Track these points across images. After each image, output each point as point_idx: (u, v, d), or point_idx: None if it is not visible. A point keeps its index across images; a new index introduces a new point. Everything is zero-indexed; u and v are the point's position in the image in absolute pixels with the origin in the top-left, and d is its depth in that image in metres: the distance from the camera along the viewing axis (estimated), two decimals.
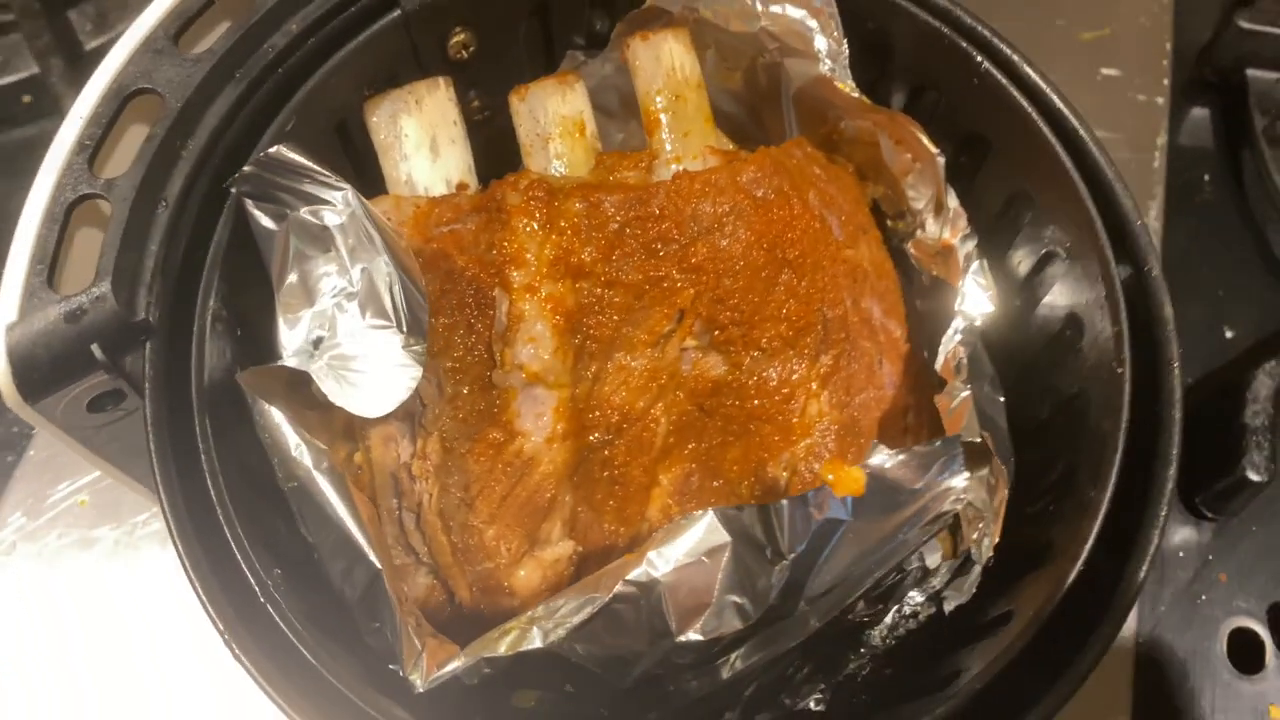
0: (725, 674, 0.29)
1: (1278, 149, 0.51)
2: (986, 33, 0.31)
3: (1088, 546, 0.26)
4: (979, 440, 0.29)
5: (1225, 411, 0.44)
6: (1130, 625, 0.41)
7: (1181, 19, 0.54)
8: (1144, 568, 0.25)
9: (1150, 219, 0.48)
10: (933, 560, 0.29)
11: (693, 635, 0.26)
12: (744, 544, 0.26)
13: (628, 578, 0.26)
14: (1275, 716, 0.42)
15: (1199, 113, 0.55)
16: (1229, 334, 0.49)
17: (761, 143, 0.36)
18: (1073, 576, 0.26)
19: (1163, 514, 0.26)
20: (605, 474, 0.34)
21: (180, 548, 0.25)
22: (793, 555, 0.25)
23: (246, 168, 0.27)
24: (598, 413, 0.33)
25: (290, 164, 0.27)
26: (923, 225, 0.36)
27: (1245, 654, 0.43)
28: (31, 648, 0.40)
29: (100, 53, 0.53)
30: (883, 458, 0.26)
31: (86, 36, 0.55)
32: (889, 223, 0.38)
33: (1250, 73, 0.53)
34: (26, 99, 0.56)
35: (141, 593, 0.41)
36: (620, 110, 0.37)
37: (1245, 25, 0.52)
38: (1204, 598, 0.44)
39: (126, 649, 0.40)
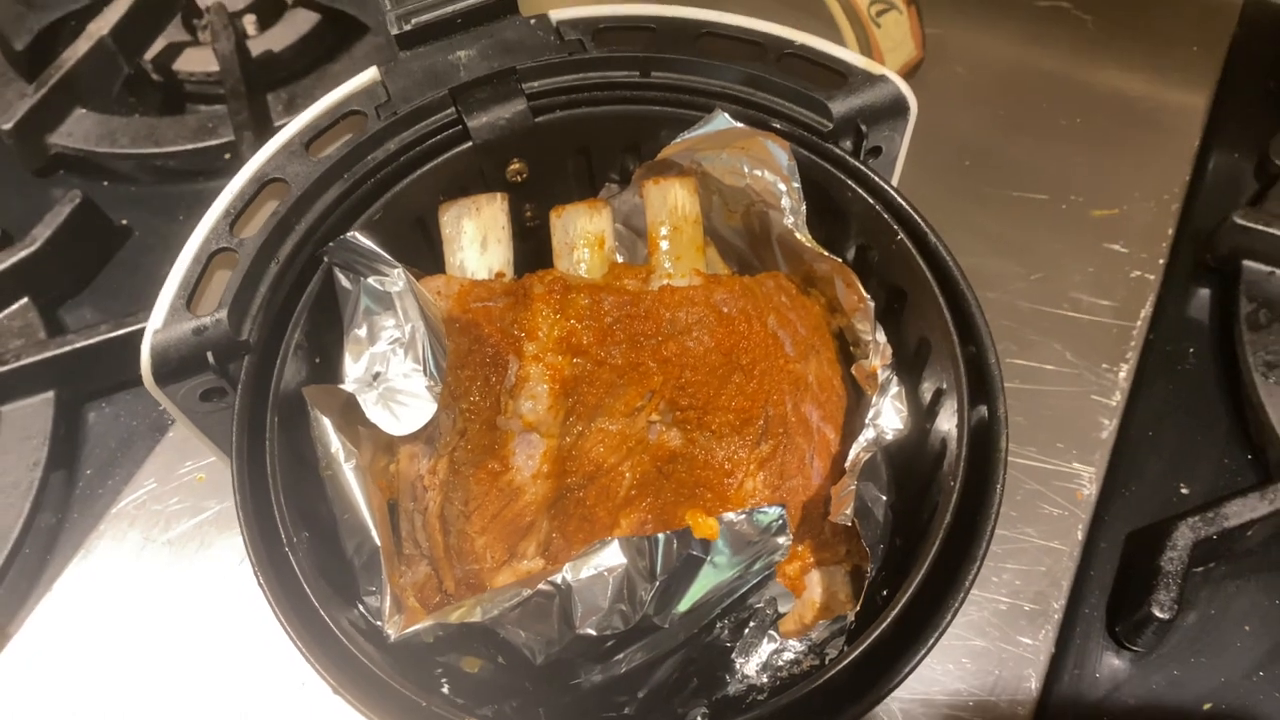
0: (622, 669, 0.37)
1: (1257, 333, 0.57)
2: (909, 209, 0.39)
3: (906, 598, 0.33)
4: (849, 524, 0.37)
5: (1149, 556, 0.50)
6: None
7: (1189, 209, 0.61)
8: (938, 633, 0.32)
9: (1119, 378, 0.54)
10: (785, 606, 0.37)
11: (589, 629, 0.34)
12: (633, 566, 0.34)
13: (549, 579, 0.35)
14: None
15: (1200, 292, 0.61)
16: (1184, 490, 0.55)
17: (760, 272, 0.45)
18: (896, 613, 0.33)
19: (963, 592, 0.33)
20: (577, 512, 0.43)
21: (238, 501, 0.35)
22: (662, 578, 0.33)
23: (332, 244, 0.38)
24: (576, 462, 0.42)
25: (360, 247, 0.38)
26: (867, 354, 0.44)
27: None
28: (145, 582, 0.52)
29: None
30: (731, 516, 0.34)
31: (277, 115, 0.69)
32: (851, 349, 0.46)
33: (1245, 263, 0.59)
34: (227, 156, 0.70)
35: (231, 549, 0.52)
36: (629, 230, 0.46)
37: (1240, 221, 0.58)
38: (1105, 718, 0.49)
39: (214, 587, 0.51)
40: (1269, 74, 0.68)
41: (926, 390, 0.41)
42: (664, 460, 0.43)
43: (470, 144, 0.41)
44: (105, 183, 0.70)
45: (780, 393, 0.42)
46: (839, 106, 0.40)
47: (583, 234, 0.44)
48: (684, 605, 0.34)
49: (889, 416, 0.41)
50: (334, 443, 0.38)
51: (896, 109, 0.41)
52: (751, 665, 0.38)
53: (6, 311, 0.62)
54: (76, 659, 0.50)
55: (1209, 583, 0.52)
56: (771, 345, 0.43)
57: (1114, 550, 0.53)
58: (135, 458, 0.58)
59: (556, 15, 0.43)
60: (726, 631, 0.37)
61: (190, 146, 0.68)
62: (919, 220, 0.39)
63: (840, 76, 0.41)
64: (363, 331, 0.39)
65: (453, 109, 0.41)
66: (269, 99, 0.69)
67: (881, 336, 0.41)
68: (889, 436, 0.41)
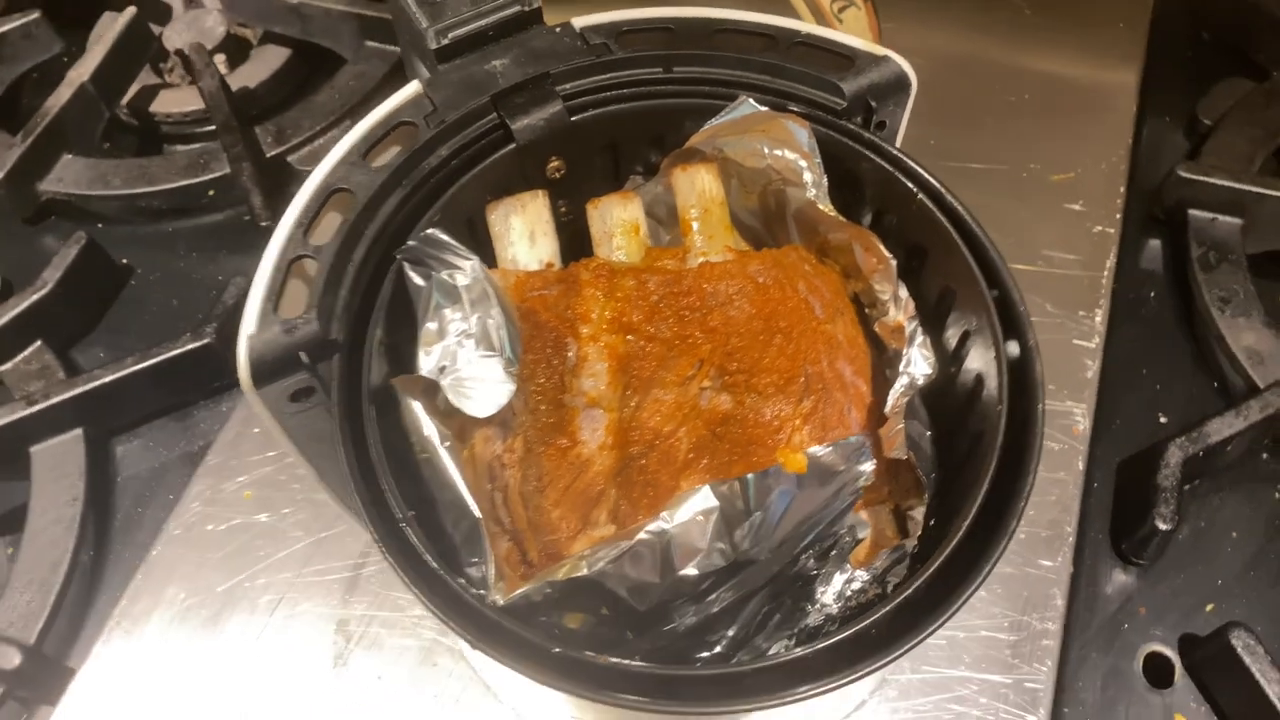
0: (715, 608, 0.40)
1: (1209, 273, 0.63)
2: (924, 173, 0.43)
3: (968, 520, 0.37)
4: (905, 458, 0.41)
5: (1145, 476, 0.55)
6: (1057, 638, 0.51)
7: (1135, 168, 0.67)
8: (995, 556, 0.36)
9: (1096, 323, 0.60)
10: (863, 533, 0.41)
11: (690, 570, 0.38)
12: (728, 506, 0.37)
13: (648, 529, 0.38)
14: None
15: (1152, 243, 0.67)
16: (1163, 419, 0.60)
17: (772, 247, 0.49)
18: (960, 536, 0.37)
19: (1021, 503, 0.37)
20: (641, 478, 0.46)
21: (354, 486, 0.37)
22: (757, 514, 0.37)
23: (410, 242, 0.41)
24: (637, 432, 0.46)
25: (439, 241, 0.41)
26: (887, 312, 0.48)
27: (1157, 673, 0.53)
28: (206, 598, 0.53)
29: (277, 161, 0.69)
30: (817, 449, 0.38)
31: (268, 146, 0.71)
32: (867, 310, 0.50)
33: (1191, 212, 0.65)
34: (211, 193, 0.71)
35: (288, 560, 0.54)
36: (668, 219, 0.50)
37: (1183, 174, 0.64)
38: (1125, 626, 0.54)
39: (278, 592, 0.53)
40: (1186, 45, 0.75)
41: (952, 336, 0.45)
42: (717, 423, 0.46)
43: (513, 145, 0.44)
44: (99, 225, 0.71)
45: (816, 352, 0.46)
46: (850, 86, 0.44)
47: (619, 223, 0.47)
48: (777, 537, 0.37)
49: (918, 364, 0.45)
50: (426, 425, 0.41)
51: (900, 85, 0.45)
52: (829, 594, 0.41)
53: (23, 355, 0.63)
54: (146, 689, 0.51)
55: (1195, 499, 0.57)
56: (804, 309, 0.46)
57: (1107, 479, 0.58)
58: (173, 486, 0.59)
59: (580, 22, 0.47)
60: (811, 561, 0.41)
61: (185, 183, 0.69)
62: (935, 181, 0.43)
63: (847, 60, 0.45)
64: (434, 326, 0.42)
65: (495, 114, 0.44)
66: (257, 132, 0.71)
67: (904, 292, 0.46)
68: (920, 381, 0.45)
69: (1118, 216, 0.64)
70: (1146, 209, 0.66)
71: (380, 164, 0.43)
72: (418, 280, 0.42)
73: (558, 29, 0.46)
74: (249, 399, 0.41)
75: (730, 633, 0.42)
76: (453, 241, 0.41)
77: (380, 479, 0.38)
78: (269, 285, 0.40)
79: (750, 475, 0.37)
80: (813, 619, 0.42)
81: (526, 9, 0.45)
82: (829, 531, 0.39)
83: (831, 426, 0.47)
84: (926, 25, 0.71)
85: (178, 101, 0.76)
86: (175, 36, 0.78)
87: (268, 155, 0.70)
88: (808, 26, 0.46)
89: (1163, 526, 0.52)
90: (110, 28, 0.73)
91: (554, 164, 0.46)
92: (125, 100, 0.76)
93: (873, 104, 0.45)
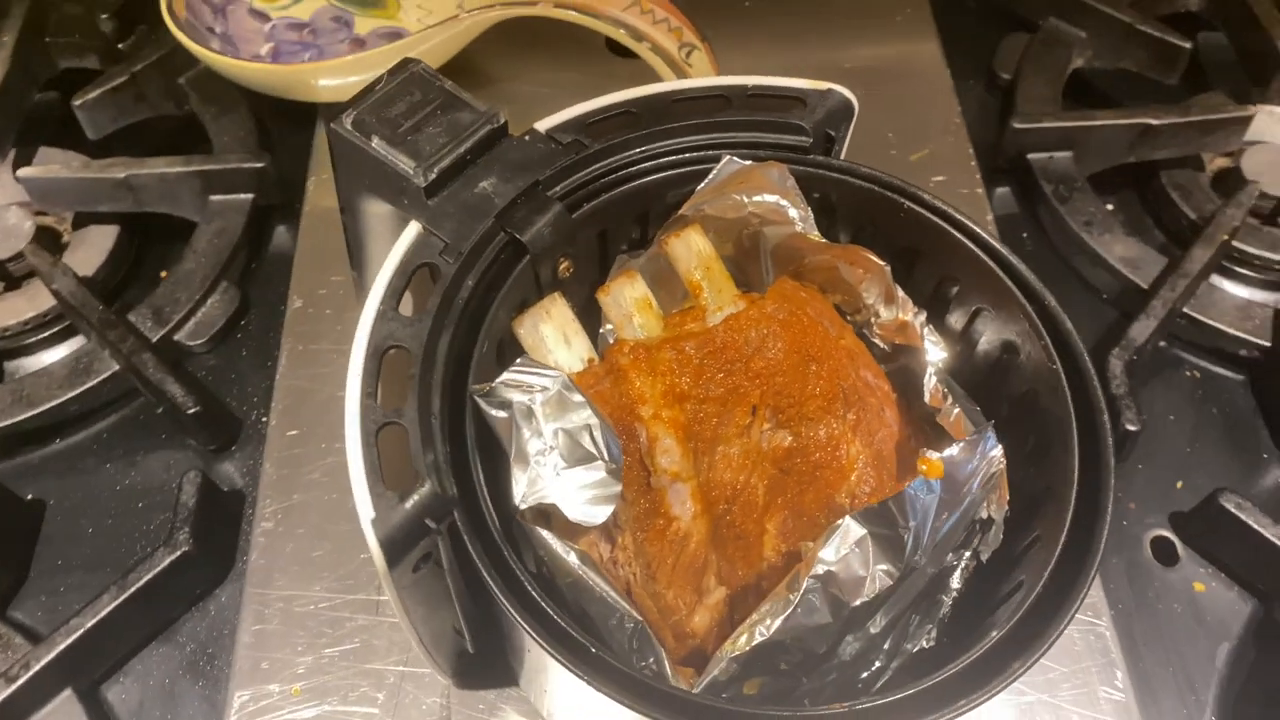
0: (873, 630, 0.43)
1: (1065, 204, 0.71)
2: (899, 182, 0.47)
3: (1074, 489, 0.41)
4: (989, 427, 0.45)
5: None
6: None
7: (973, 133, 0.74)
8: (1111, 484, 0.41)
9: None
10: (985, 514, 0.44)
11: (862, 599, 0.40)
12: (876, 529, 0.40)
13: (812, 573, 0.40)
14: (1198, 590, 0.59)
15: (1002, 191, 0.75)
16: None
17: (745, 286, 0.52)
18: (1071, 509, 0.41)
19: (1110, 446, 0.41)
20: (730, 533, 0.47)
21: (532, 631, 0.37)
22: (911, 524, 0.40)
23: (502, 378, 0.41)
24: (717, 491, 0.47)
25: (523, 369, 0.41)
26: (876, 314, 0.52)
27: (1165, 554, 0.60)
28: None
29: (167, 342, 0.65)
30: (950, 450, 0.41)
31: (150, 331, 0.66)
32: (847, 318, 0.54)
33: (1030, 156, 0.73)
34: (101, 393, 0.66)
35: None
36: (653, 286, 0.51)
37: (1017, 125, 0.72)
38: (1125, 523, 0.61)
39: None
40: (962, 13, 0.84)
41: (958, 319, 0.49)
42: (782, 459, 0.48)
43: (528, 257, 0.45)
44: None
45: (844, 367, 0.49)
46: (809, 122, 0.48)
47: (632, 302, 0.48)
48: (933, 542, 0.40)
49: (933, 351, 0.50)
50: (560, 549, 0.40)
51: (848, 111, 0.49)
52: (957, 579, 0.45)
53: None
54: None
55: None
56: (822, 332, 0.49)
57: None
58: (188, 707, 0.55)
59: (543, 125, 0.47)
60: (951, 555, 0.44)
61: (73, 394, 0.63)
62: (914, 188, 0.47)
63: (799, 100, 0.49)
64: (516, 452, 0.42)
65: (503, 233, 0.44)
66: (132, 319, 0.66)
67: (900, 292, 0.50)
68: (940, 365, 0.49)
69: (978, 177, 0.71)
70: (995, 163, 0.74)
71: (417, 314, 0.43)
72: (498, 414, 0.42)
73: (526, 137, 0.47)
74: (384, 583, 0.39)
75: (886, 646, 0.44)
76: (536, 363, 0.41)
77: (540, 602, 0.38)
78: (366, 463, 0.39)
79: (901, 493, 0.40)
80: (945, 607, 0.45)
81: (495, 125, 0.46)
82: (968, 520, 0.42)
83: (875, 430, 0.50)
84: (741, 47, 0.76)
85: (12, 312, 0.69)
86: None
87: (155, 340, 0.65)
88: (754, 80, 0.49)
89: (1132, 428, 0.59)
90: None
91: (564, 264, 0.47)
92: None
93: (831, 133, 0.49)
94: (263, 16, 0.78)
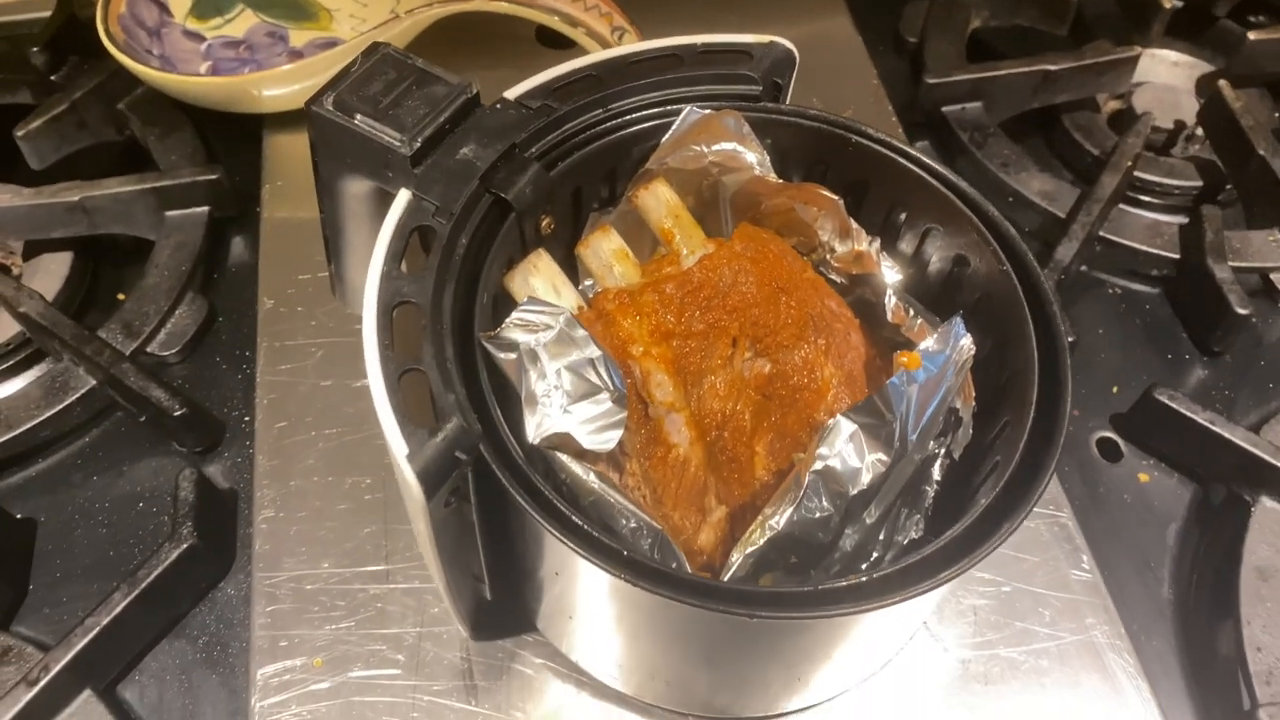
0: (869, 520, 0.46)
1: (982, 149, 0.77)
2: (846, 121, 0.52)
3: (1036, 368, 0.45)
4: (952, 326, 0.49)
5: None
6: None
7: (890, 94, 0.80)
8: (1068, 359, 0.45)
9: None
10: (960, 406, 0.48)
11: (859, 488, 0.43)
12: (866, 423, 0.44)
13: (812, 469, 0.43)
14: (1143, 480, 0.64)
15: (923, 144, 0.81)
16: None
17: (708, 234, 0.56)
18: (1035, 385, 0.45)
19: (1062, 328, 0.46)
20: (724, 457, 0.51)
21: (572, 541, 0.40)
22: (898, 415, 0.43)
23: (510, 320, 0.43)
24: (708, 419, 0.50)
25: (532, 307, 0.44)
26: (832, 250, 0.56)
27: (1109, 452, 0.65)
28: None
29: (141, 354, 0.66)
30: (925, 342, 0.45)
31: (123, 345, 0.67)
32: (805, 256, 0.58)
33: (944, 109, 0.79)
34: (78, 411, 0.66)
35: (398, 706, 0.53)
36: (637, 239, 0.54)
37: (930, 81, 0.78)
38: (1071, 428, 0.66)
39: None
40: None
41: (910, 242, 0.54)
42: (764, 385, 0.52)
43: (513, 215, 0.48)
44: None
45: (810, 296, 0.53)
46: (758, 72, 0.52)
47: (610, 253, 0.52)
48: (918, 428, 0.44)
49: (889, 274, 0.54)
50: (579, 470, 0.43)
51: (790, 60, 0.53)
52: (937, 470, 0.49)
53: None
54: None
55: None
56: (788, 265, 0.53)
57: None
58: (209, 694, 0.56)
59: (512, 93, 0.51)
60: (933, 443, 0.48)
61: (51, 413, 0.64)
62: (859, 124, 0.51)
63: (745, 54, 0.53)
64: (525, 393, 0.45)
65: (488, 193, 0.47)
66: (103, 335, 0.67)
67: (855, 224, 0.54)
68: (898, 286, 0.53)
69: (900, 132, 0.76)
70: (914, 118, 0.79)
71: (418, 271, 0.45)
72: (505, 356, 0.44)
73: (498, 105, 0.50)
74: (417, 518, 0.42)
75: (881, 537, 0.48)
76: (542, 302, 0.44)
77: (579, 519, 0.41)
78: (393, 406, 0.41)
79: (885, 385, 0.43)
80: (928, 499, 0.49)
81: (470, 95, 0.49)
82: (945, 407, 0.46)
83: (844, 353, 0.54)
84: (665, 31, 0.79)
85: None
86: None
87: (128, 353, 0.66)
88: (704, 38, 0.53)
89: (1070, 339, 0.64)
90: None
91: (545, 221, 0.50)
92: None
93: (778, 81, 0.53)
94: (197, 37, 0.79)
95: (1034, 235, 0.74)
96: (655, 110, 0.52)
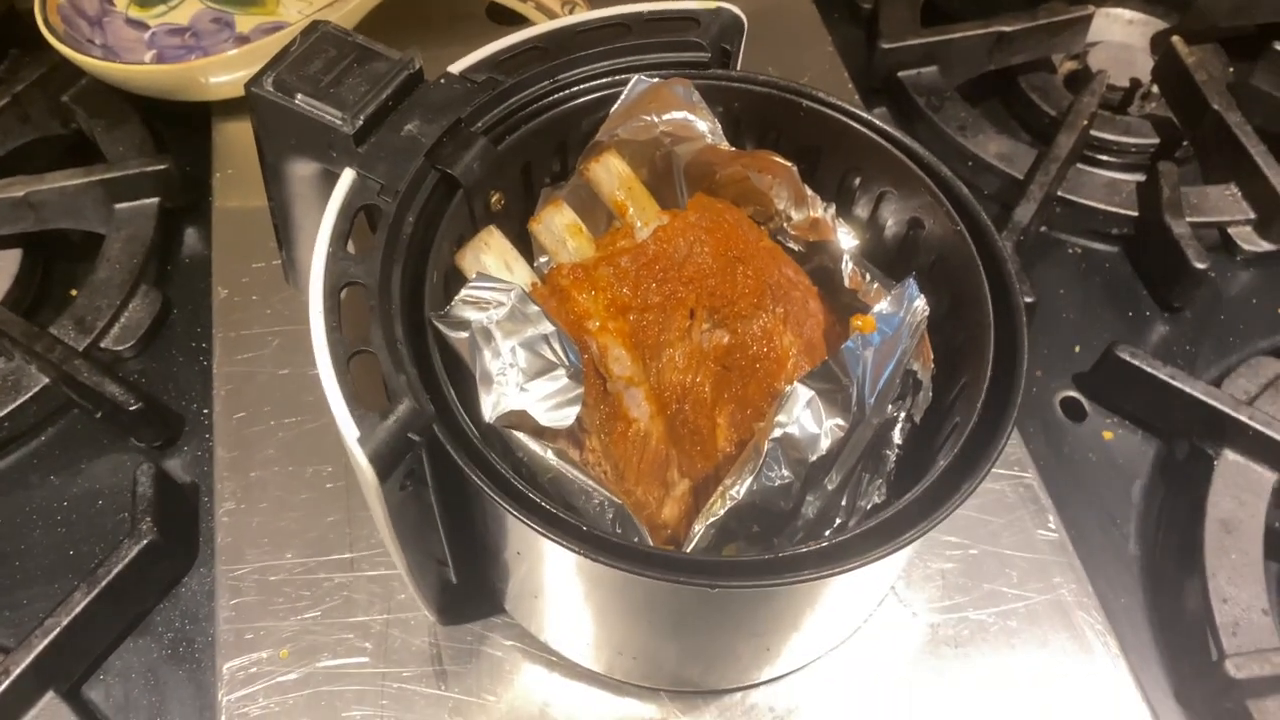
0: (830, 486, 0.46)
1: (938, 113, 0.76)
2: (798, 86, 0.51)
3: (991, 328, 0.45)
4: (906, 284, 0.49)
5: None
6: None
7: (846, 61, 0.79)
8: (1023, 317, 0.45)
9: None
10: (914, 367, 0.48)
11: (819, 454, 0.43)
12: (822, 389, 0.43)
13: (771, 436, 0.43)
14: (1107, 438, 0.65)
15: (882, 110, 0.80)
16: None
17: (663, 206, 0.55)
18: (992, 344, 0.45)
19: (1016, 285, 0.46)
20: (685, 430, 0.50)
21: (532, 521, 0.39)
22: (855, 377, 0.43)
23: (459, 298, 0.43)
24: (668, 392, 0.50)
25: (479, 284, 0.43)
26: (788, 218, 0.55)
27: (1074, 411, 0.66)
28: None
29: (93, 349, 0.65)
30: (880, 305, 0.44)
31: (75, 341, 0.66)
32: (761, 226, 0.57)
33: (899, 75, 0.78)
34: (33, 410, 0.65)
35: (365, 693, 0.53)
36: (591, 212, 0.54)
37: (885, 45, 0.77)
38: (1034, 390, 0.66)
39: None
40: None
41: (864, 207, 0.53)
42: (723, 356, 0.51)
43: (461, 190, 0.47)
44: None
45: (767, 265, 0.53)
46: (706, 39, 0.51)
47: (563, 228, 0.51)
48: (875, 391, 0.44)
49: (845, 240, 0.53)
50: (537, 447, 0.43)
51: (738, 26, 0.53)
52: (897, 434, 0.49)
53: None
54: None
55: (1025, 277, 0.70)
56: (743, 234, 0.53)
57: None
58: (176, 691, 0.55)
59: (456, 68, 0.50)
60: (891, 407, 0.47)
61: (3, 413, 0.63)
62: (810, 89, 0.51)
63: (693, 21, 0.52)
64: (480, 372, 0.44)
65: (434, 169, 0.47)
66: (54, 331, 0.66)
67: (809, 190, 0.53)
68: (854, 251, 0.53)
69: (857, 99, 0.76)
70: (871, 85, 0.79)
71: (364, 250, 0.44)
72: (458, 334, 0.44)
73: (442, 80, 0.49)
74: (373, 502, 0.41)
75: (843, 503, 0.47)
76: (492, 278, 0.43)
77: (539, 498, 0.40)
78: (341, 388, 0.41)
79: (840, 350, 0.43)
80: (890, 463, 0.49)
81: (412, 70, 0.48)
82: (902, 370, 0.46)
83: (803, 320, 0.54)
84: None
85: None
86: None
87: (82, 348, 0.65)
88: (650, 5, 0.52)
89: (1029, 299, 0.64)
90: None
91: (495, 197, 0.50)
92: None
93: (727, 48, 0.52)
94: (141, 25, 0.78)
95: (993, 198, 0.74)
96: (603, 80, 0.51)
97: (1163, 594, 0.58)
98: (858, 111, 0.51)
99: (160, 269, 0.72)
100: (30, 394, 0.64)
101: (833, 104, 0.51)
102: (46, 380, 0.64)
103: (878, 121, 0.50)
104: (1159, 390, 0.61)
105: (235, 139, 0.75)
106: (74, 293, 0.72)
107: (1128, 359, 0.62)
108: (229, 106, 0.75)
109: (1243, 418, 0.59)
